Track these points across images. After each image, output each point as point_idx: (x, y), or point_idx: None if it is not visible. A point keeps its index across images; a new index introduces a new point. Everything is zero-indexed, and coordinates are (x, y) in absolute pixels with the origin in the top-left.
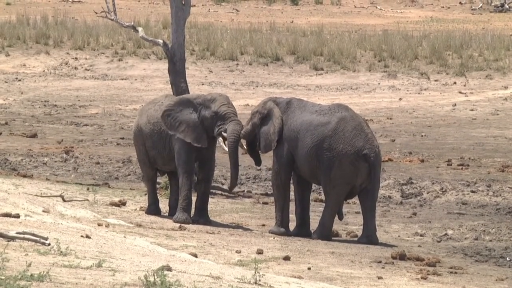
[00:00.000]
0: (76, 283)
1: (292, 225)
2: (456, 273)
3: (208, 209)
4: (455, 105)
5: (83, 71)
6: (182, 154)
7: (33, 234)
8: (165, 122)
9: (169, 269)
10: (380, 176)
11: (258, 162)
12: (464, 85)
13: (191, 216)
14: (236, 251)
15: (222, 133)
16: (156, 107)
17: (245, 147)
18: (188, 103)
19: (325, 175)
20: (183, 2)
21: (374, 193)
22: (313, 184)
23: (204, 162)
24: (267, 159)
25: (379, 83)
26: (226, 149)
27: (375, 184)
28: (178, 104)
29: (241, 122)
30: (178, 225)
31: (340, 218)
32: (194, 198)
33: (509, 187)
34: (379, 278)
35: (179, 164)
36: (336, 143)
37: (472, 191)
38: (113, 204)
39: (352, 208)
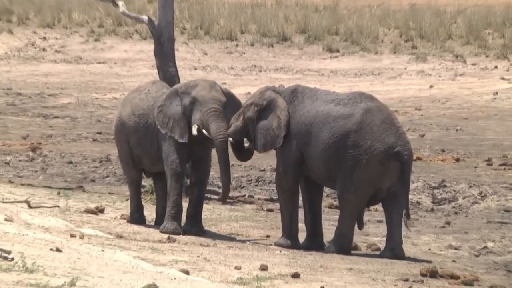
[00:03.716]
0: None
1: (302, 236)
2: None
3: (202, 217)
4: (497, 93)
5: (53, 53)
6: (171, 152)
7: None
8: (158, 121)
9: None
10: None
11: (247, 157)
12: (507, 70)
13: (182, 225)
14: (236, 267)
15: (195, 123)
16: (142, 96)
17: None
18: (175, 94)
19: (346, 176)
20: None
21: (403, 198)
22: (325, 188)
23: (197, 162)
24: (272, 157)
25: (405, 68)
26: (195, 132)
27: (405, 187)
28: (168, 98)
29: (222, 115)
30: (166, 236)
31: (360, 227)
32: (185, 205)
33: None
34: None
35: (167, 164)
36: (363, 139)
37: None
38: (88, 211)
39: (374, 216)
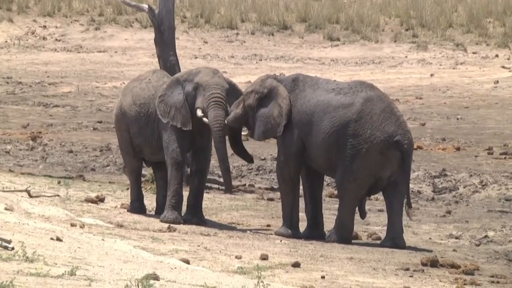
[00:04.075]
0: None
1: (302, 226)
2: (498, 282)
3: (203, 206)
4: (497, 82)
5: (53, 41)
6: (171, 142)
7: None
8: (159, 110)
9: (156, 278)
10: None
11: (249, 158)
12: (508, 58)
13: (182, 215)
14: (236, 257)
15: (198, 106)
16: (143, 85)
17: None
18: (176, 83)
19: (345, 166)
20: None
21: (404, 187)
22: (325, 177)
23: (198, 151)
24: (273, 146)
25: (406, 56)
26: (200, 114)
27: (406, 176)
28: (169, 87)
29: (223, 102)
30: (166, 225)
31: (362, 216)
32: (185, 194)
33: None
34: None
35: (168, 153)
36: (363, 128)
37: None
38: (89, 200)
39: (374, 206)
